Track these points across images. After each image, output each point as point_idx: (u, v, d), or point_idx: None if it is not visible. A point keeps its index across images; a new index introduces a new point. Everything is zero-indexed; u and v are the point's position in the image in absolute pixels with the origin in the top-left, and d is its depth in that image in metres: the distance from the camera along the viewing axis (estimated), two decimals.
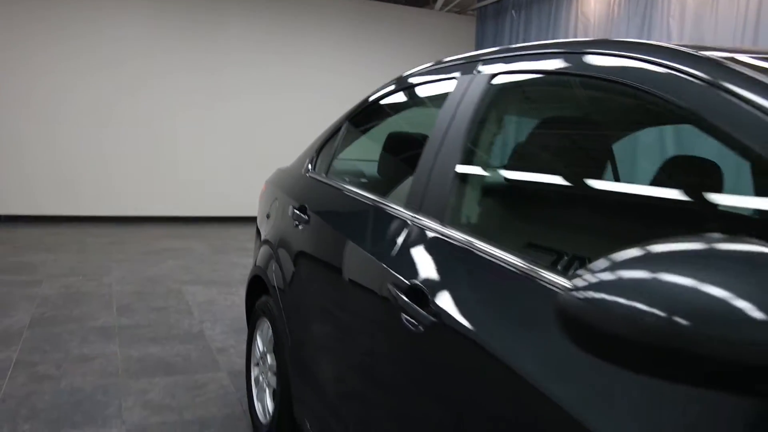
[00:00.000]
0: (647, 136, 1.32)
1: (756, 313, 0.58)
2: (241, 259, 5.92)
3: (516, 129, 1.62)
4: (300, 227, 2.18)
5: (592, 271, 0.68)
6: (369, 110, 2.28)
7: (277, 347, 2.29)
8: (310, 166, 2.46)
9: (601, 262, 0.68)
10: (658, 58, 1.06)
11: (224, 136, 7.97)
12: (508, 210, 1.56)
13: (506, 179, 1.56)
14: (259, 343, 2.58)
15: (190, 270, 5.44)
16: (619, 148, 1.35)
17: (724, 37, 5.85)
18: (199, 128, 7.87)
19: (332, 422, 1.78)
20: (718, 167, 1.11)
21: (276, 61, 8.13)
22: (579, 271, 0.71)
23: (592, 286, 0.67)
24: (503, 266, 1.16)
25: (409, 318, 1.32)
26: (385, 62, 8.40)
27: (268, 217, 2.64)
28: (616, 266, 0.67)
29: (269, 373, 2.44)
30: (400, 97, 2.12)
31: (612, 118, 1.44)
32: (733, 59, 0.98)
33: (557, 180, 1.40)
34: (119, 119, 7.52)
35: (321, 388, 1.87)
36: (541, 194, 1.46)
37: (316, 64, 8.29)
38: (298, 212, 2.22)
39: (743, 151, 0.87)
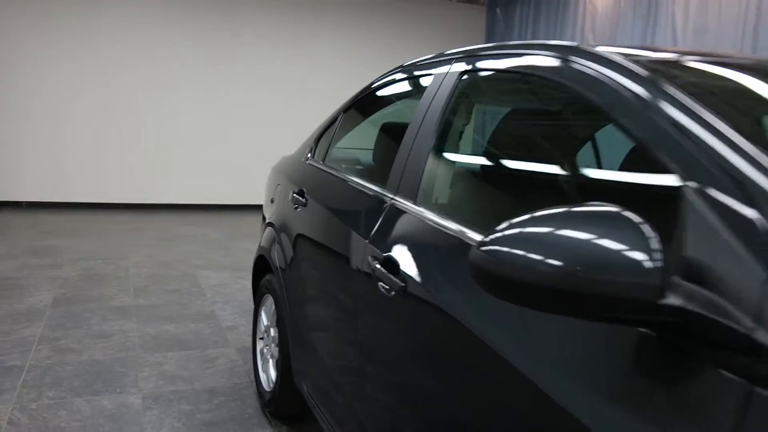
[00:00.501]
0: (578, 127, 1.50)
1: (629, 261, 0.75)
2: (252, 245, 6.11)
3: (478, 120, 1.80)
4: (299, 210, 2.37)
5: (495, 231, 0.87)
6: (361, 103, 2.47)
7: (279, 321, 2.50)
8: (309, 154, 2.65)
9: (502, 225, 0.87)
10: (581, 60, 1.24)
11: (239, 127, 8.19)
12: (469, 191, 1.74)
13: (469, 164, 1.74)
14: (264, 318, 2.79)
15: (203, 255, 5.68)
16: (555, 135, 1.53)
17: (727, 26, 5.93)
18: (215, 120, 8.09)
19: (325, 383, 1.98)
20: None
21: (287, 54, 8.33)
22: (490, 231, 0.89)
23: (493, 242, 0.85)
24: (461, 239, 1.34)
25: (383, 285, 1.51)
26: (394, 52, 8.52)
27: (272, 201, 2.84)
28: (511, 226, 0.85)
29: (272, 345, 2.64)
30: (389, 90, 2.30)
31: (544, 109, 1.62)
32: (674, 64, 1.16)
33: (511, 164, 1.58)
34: (138, 110, 7.77)
35: (316, 354, 2.07)
36: (498, 177, 1.65)
37: (326, 56, 8.47)
38: (297, 196, 2.42)
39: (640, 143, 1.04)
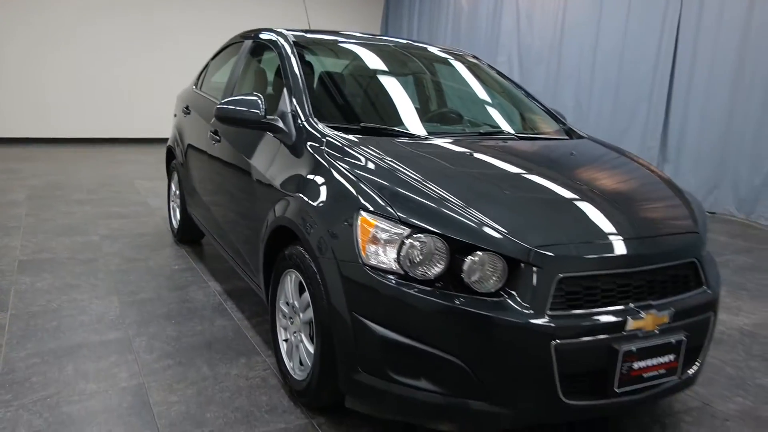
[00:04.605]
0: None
1: (256, 106, 2.58)
2: None
3: (259, 65, 3.58)
4: (186, 117, 4.13)
5: (224, 100, 2.67)
6: (219, 55, 4.23)
7: (179, 184, 4.28)
8: (194, 85, 4.40)
9: (225, 99, 2.67)
10: (274, 36, 3.05)
11: (171, 70, 9.68)
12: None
13: (247, 83, 3.55)
14: (173, 187, 4.57)
15: (140, 171, 7.35)
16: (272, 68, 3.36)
17: (548, 6, 7.83)
18: (151, 63, 9.57)
19: (198, 204, 3.79)
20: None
21: (215, 5, 9.81)
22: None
23: (222, 104, 2.67)
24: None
25: (212, 141, 3.32)
26: (296, 13, 10.12)
27: (175, 115, 4.58)
28: (229, 100, 2.66)
29: (178, 201, 4.44)
30: (232, 48, 4.06)
31: (266, 57, 3.43)
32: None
33: (252, 81, 3.42)
34: (84, 55, 9.18)
35: (195, 191, 3.87)
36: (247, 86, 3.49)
37: (239, 12, 9.98)
38: (185, 108, 4.18)
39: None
